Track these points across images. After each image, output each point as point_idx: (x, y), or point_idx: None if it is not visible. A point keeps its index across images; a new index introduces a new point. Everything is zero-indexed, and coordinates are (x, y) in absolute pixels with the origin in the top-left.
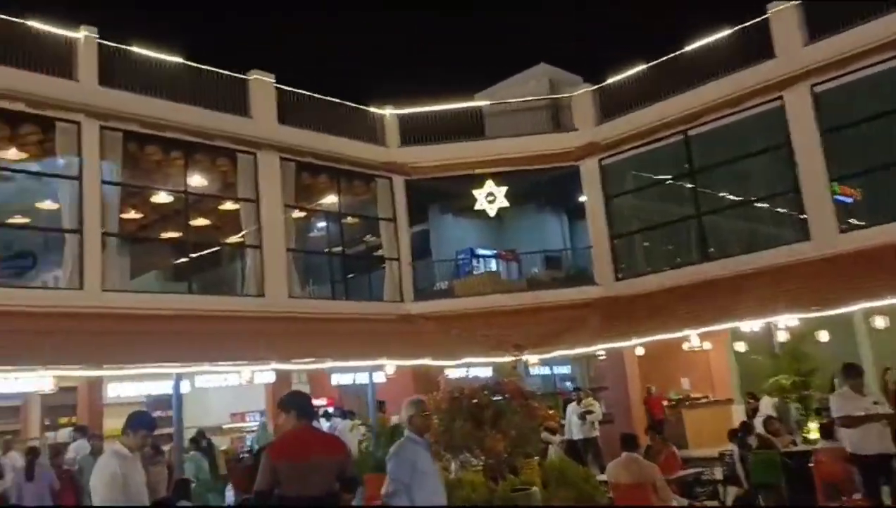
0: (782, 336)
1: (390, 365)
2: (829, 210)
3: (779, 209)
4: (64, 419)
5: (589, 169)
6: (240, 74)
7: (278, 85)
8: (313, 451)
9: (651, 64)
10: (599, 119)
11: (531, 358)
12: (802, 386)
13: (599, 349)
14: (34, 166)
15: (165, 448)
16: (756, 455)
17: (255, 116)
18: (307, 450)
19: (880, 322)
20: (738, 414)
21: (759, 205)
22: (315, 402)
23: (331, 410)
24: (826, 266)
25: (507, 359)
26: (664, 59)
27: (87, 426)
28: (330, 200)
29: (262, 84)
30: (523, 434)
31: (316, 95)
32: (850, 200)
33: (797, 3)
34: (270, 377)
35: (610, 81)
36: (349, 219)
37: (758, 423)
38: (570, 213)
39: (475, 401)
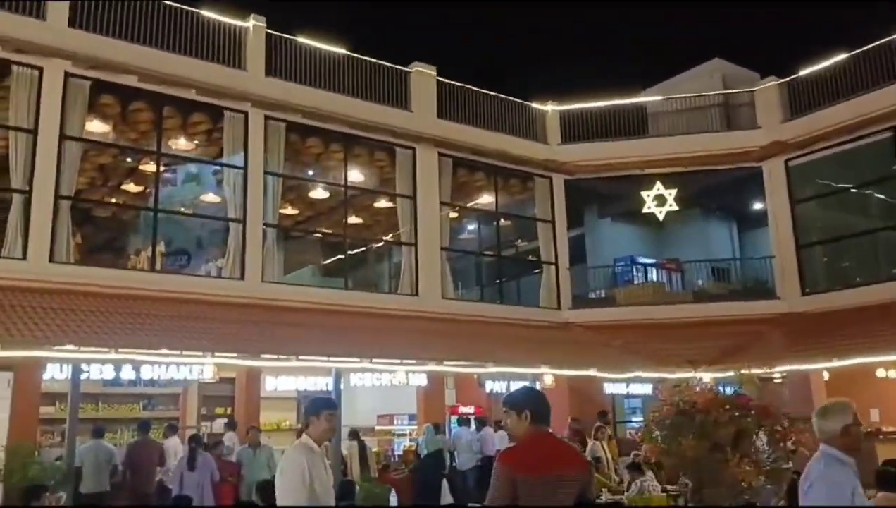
0: None
1: (549, 374)
2: None
3: None
4: (220, 410)
5: (773, 171)
6: (401, 67)
7: (439, 78)
8: (557, 464)
9: (853, 53)
10: (786, 116)
11: (706, 376)
12: None
13: (786, 370)
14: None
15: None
16: None
17: (415, 109)
18: (550, 462)
19: None
20: None
21: None
22: (462, 409)
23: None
24: None
25: (685, 374)
26: (869, 46)
27: (235, 420)
28: (484, 199)
29: (423, 77)
30: (776, 463)
31: (475, 89)
32: None
33: None
34: (423, 380)
35: (801, 73)
36: (500, 222)
37: None
38: (739, 220)
39: (710, 416)
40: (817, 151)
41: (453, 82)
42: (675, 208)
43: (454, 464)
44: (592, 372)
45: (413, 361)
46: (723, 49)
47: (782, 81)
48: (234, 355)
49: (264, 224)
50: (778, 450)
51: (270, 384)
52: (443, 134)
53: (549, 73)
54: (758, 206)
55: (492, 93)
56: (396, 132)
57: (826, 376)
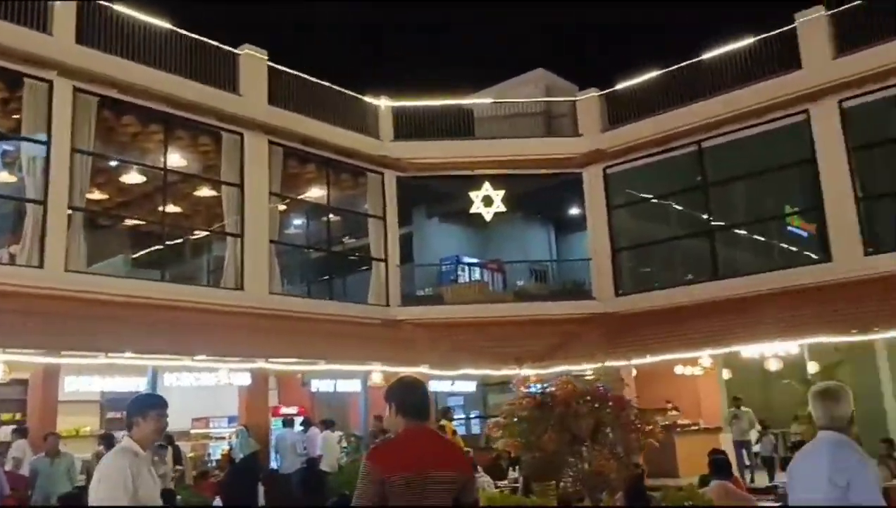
0: (774, 365)
1: (378, 372)
2: (855, 231)
3: (796, 229)
4: (8, 416)
5: (592, 177)
6: (231, 48)
7: (271, 63)
8: (428, 462)
9: (665, 70)
10: (605, 126)
11: (530, 373)
12: None
13: (602, 366)
14: None
15: None
16: None
17: (244, 93)
18: (421, 460)
19: None
20: (727, 443)
21: (788, 223)
22: (285, 410)
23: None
24: (856, 289)
25: (510, 372)
26: (679, 66)
27: (27, 427)
28: (315, 193)
29: (253, 60)
30: (630, 453)
31: (309, 78)
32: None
33: (827, 13)
34: (245, 380)
35: (619, 86)
36: (331, 216)
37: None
38: (558, 224)
39: (570, 409)
40: (633, 161)
41: (286, 69)
42: (503, 209)
43: (278, 468)
44: (423, 370)
45: (237, 359)
46: (545, 60)
47: (602, 92)
48: (31, 351)
49: (70, 208)
50: (630, 442)
51: (70, 386)
52: (274, 121)
53: (384, 67)
54: (575, 211)
55: (326, 83)
56: (223, 116)
57: (634, 372)
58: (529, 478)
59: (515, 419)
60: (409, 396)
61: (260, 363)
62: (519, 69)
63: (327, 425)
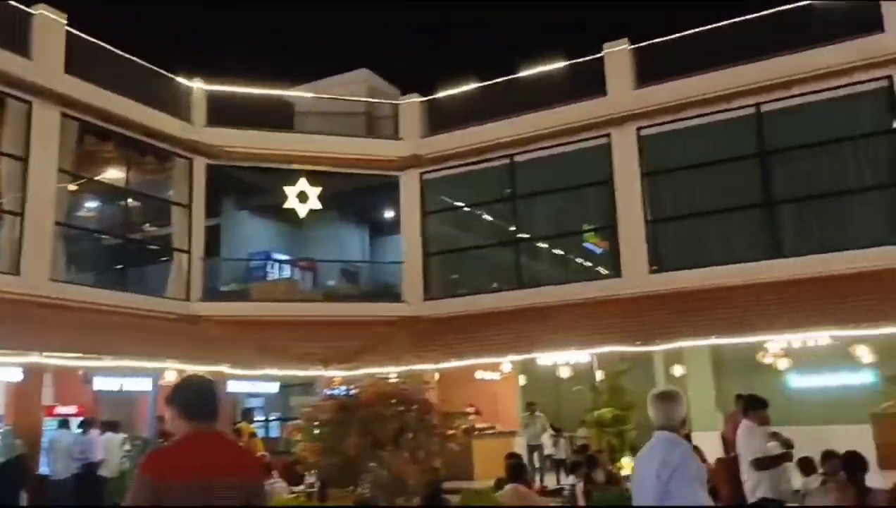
0: (566, 372)
1: (172, 371)
2: (642, 250)
3: (592, 246)
4: None
5: (409, 181)
6: (23, 6)
7: (70, 28)
8: (216, 469)
9: (484, 84)
10: (425, 132)
11: (336, 375)
12: (621, 421)
13: (408, 369)
14: None
15: None
16: (605, 493)
17: (36, 58)
18: (202, 467)
19: (678, 370)
20: (520, 446)
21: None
22: (61, 409)
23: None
24: (641, 304)
25: (315, 373)
26: (498, 80)
27: None
28: (113, 174)
29: (49, 23)
30: (431, 457)
31: (114, 50)
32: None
33: (631, 47)
34: (16, 375)
35: (440, 94)
36: (130, 201)
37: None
38: (372, 226)
39: (373, 411)
40: (449, 169)
41: (88, 37)
42: (319, 206)
43: (49, 473)
44: (222, 369)
45: (6, 351)
46: (369, 61)
47: (423, 99)
48: None
49: None
50: (432, 446)
51: None
52: (69, 92)
53: (198, 48)
54: (390, 214)
55: (134, 58)
56: (9, 80)
57: (437, 376)
58: (326, 483)
59: (316, 423)
60: (192, 397)
61: (34, 357)
62: (342, 68)
63: (110, 426)
